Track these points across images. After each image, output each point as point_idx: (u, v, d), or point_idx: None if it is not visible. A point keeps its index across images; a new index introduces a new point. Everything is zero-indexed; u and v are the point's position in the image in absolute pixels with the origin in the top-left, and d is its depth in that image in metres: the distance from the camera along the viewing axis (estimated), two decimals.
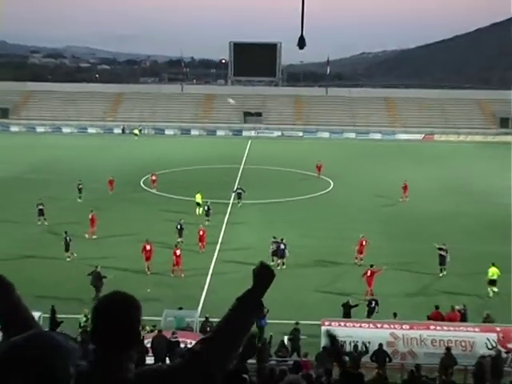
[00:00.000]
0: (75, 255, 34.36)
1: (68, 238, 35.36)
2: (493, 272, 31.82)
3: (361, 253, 33.95)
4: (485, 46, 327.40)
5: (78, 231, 37.03)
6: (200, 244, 35.71)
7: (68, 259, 34.39)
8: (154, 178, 51.23)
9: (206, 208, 42.13)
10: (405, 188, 49.43)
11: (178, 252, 32.28)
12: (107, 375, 2.88)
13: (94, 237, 37.47)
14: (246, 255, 33.42)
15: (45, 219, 40.54)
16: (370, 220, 42.58)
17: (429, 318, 25.24)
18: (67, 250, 34.82)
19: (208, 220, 40.44)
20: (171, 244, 33.62)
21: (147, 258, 32.36)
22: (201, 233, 36.10)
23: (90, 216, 38.61)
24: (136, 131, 76.52)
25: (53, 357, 2.33)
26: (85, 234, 37.35)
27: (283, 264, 33.15)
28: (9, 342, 2.42)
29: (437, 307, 25.73)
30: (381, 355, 20.84)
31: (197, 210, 43.45)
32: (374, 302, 27.34)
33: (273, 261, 32.67)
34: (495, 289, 31.63)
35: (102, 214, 40.60)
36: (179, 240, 35.33)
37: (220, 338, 3.01)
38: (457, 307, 26.05)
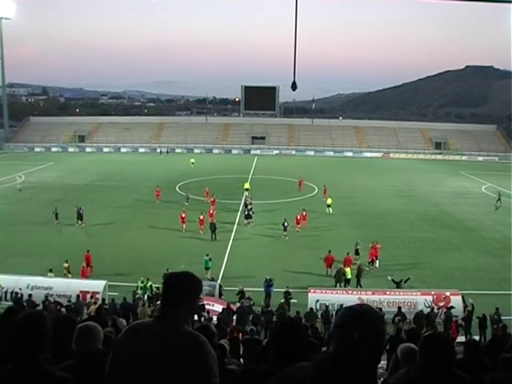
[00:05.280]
0: (83, 225, 37.54)
1: (81, 211, 37.83)
2: (330, 201, 42.73)
3: (298, 223, 37.16)
4: (424, 90, 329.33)
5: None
6: (201, 226, 36.25)
7: (77, 225, 37.45)
8: (207, 190, 46.81)
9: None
10: (324, 190, 47.89)
11: (184, 215, 36.61)
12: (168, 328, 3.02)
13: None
14: (253, 233, 34.70)
15: (82, 222, 37.77)
16: (341, 214, 42.75)
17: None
18: (81, 219, 37.68)
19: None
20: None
21: (183, 222, 36.33)
22: (201, 217, 36.57)
23: (211, 199, 42.70)
24: (192, 160, 69.35)
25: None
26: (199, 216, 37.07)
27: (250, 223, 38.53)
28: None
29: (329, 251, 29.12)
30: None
31: (245, 193, 46.63)
32: None
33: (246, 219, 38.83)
34: (331, 210, 42.14)
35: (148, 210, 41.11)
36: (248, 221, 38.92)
37: None
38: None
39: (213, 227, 34.79)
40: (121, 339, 3.15)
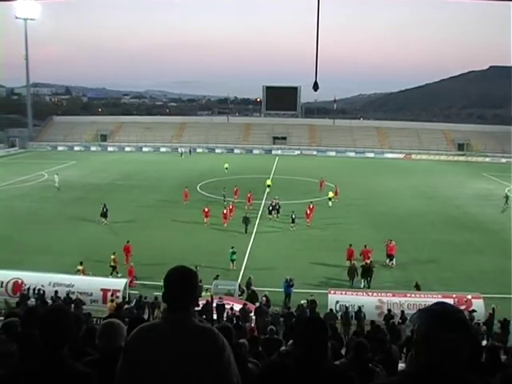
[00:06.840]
0: (108, 222, 37.90)
1: (105, 209, 38.16)
2: (331, 194, 45.40)
3: (308, 218, 38.70)
4: (447, 91, 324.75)
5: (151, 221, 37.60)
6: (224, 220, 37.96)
7: (104, 224, 37.75)
8: (235, 188, 47.13)
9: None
10: (336, 192, 47.49)
11: (207, 209, 38.29)
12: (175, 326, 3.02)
13: (251, 206, 43.70)
14: (274, 232, 34.54)
15: (106, 220, 38.21)
16: (362, 215, 42.58)
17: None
18: (106, 216, 38.02)
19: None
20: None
21: (206, 216, 37.95)
22: (225, 211, 38.31)
23: (249, 195, 45.08)
24: (226, 165, 66.22)
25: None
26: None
27: (278, 217, 39.98)
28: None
29: (350, 245, 29.76)
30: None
31: (267, 189, 50.25)
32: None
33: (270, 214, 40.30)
34: (330, 203, 44.74)
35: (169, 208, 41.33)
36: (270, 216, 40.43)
37: None
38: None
39: (246, 221, 36.40)
40: (131, 340, 3.11)
